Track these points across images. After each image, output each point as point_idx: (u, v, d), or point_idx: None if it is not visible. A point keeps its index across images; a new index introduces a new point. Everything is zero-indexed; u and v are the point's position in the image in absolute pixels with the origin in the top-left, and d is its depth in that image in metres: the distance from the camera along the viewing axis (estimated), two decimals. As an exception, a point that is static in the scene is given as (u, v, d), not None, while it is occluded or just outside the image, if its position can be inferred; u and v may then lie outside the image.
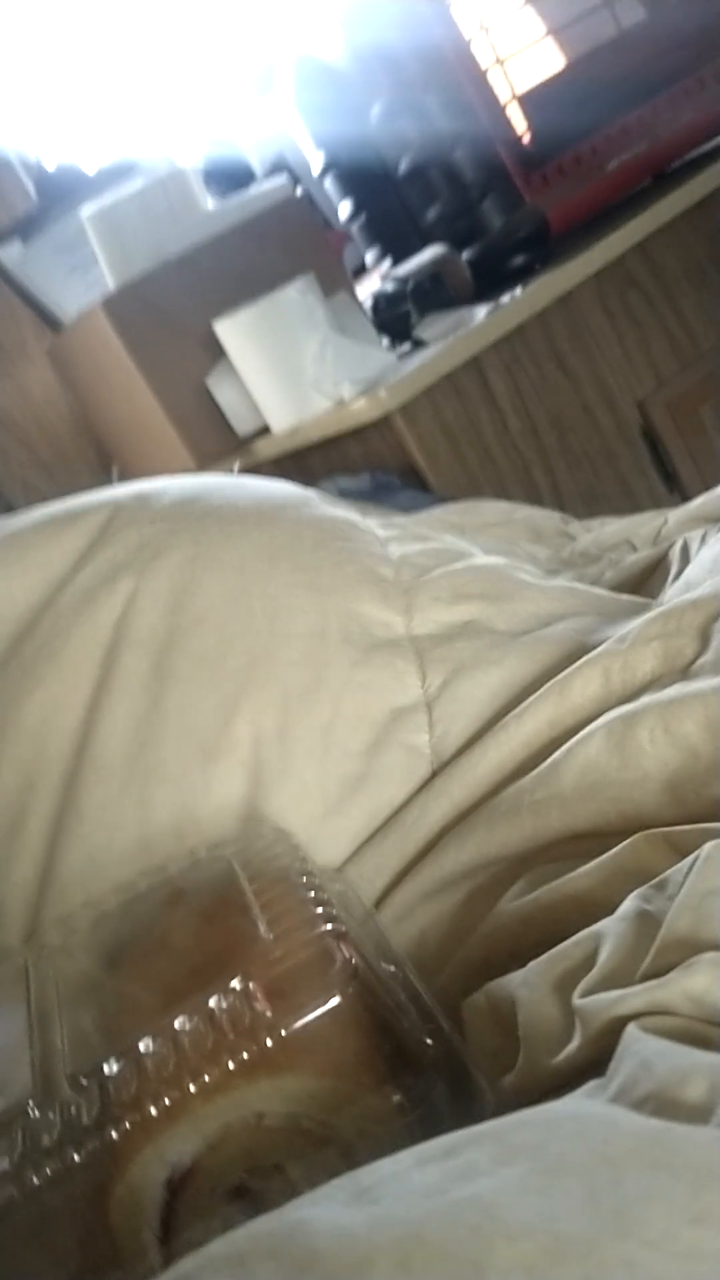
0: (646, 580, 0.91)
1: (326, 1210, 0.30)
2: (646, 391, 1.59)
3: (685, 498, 1.25)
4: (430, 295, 1.57)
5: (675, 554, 0.89)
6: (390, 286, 1.60)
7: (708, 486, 1.00)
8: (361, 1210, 0.30)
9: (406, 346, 1.61)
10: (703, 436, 1.60)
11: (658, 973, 0.36)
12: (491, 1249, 0.27)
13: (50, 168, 1.92)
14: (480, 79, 1.57)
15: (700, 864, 0.38)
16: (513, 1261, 0.27)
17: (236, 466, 1.59)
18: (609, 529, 1.11)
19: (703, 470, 1.57)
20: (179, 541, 0.63)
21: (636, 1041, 0.33)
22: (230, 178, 1.93)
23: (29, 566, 0.63)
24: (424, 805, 0.55)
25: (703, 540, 0.88)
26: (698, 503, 1.00)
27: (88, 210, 1.61)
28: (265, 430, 1.63)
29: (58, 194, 1.85)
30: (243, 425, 1.65)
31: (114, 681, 0.59)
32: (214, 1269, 0.29)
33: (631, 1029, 0.34)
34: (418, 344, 1.57)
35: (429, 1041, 0.42)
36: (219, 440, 1.66)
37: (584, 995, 0.37)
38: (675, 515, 1.04)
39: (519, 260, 1.59)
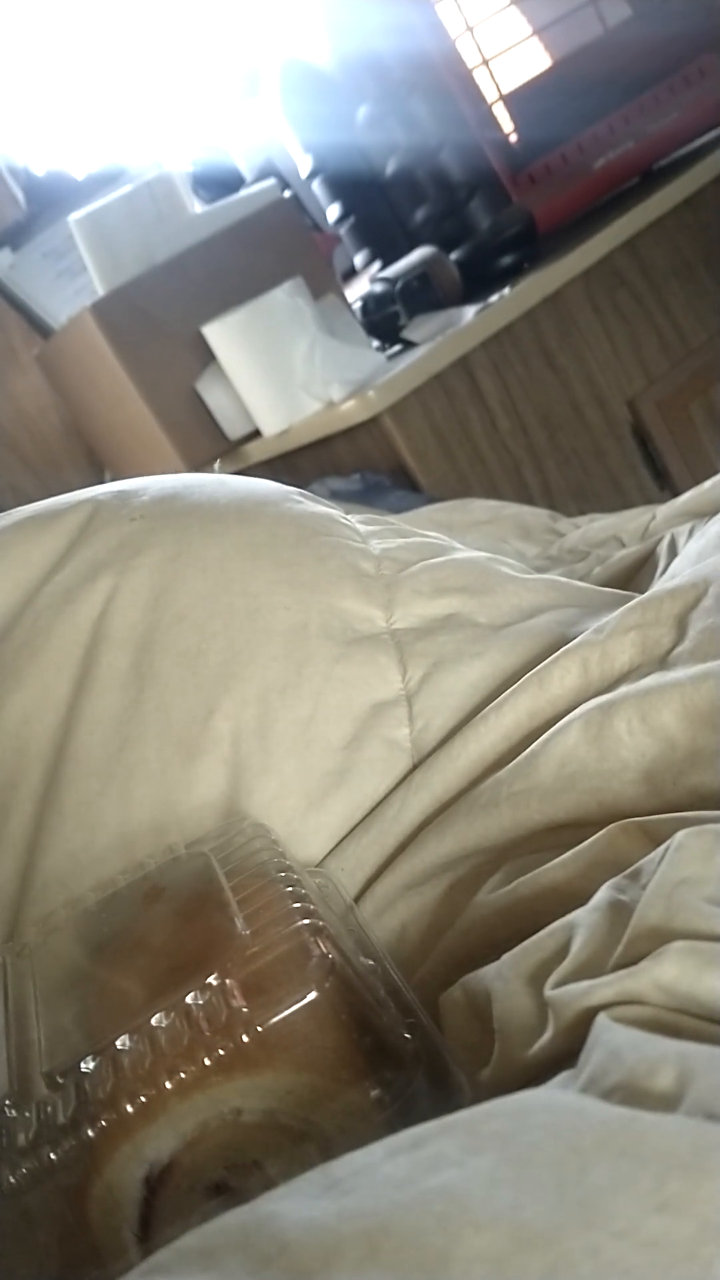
0: (635, 576, 0.91)
1: (297, 1203, 0.30)
2: (636, 389, 1.59)
3: (676, 494, 1.25)
4: (419, 296, 1.57)
5: (663, 549, 0.89)
6: (379, 288, 1.60)
7: (698, 483, 1.00)
8: (332, 1202, 0.30)
9: (396, 347, 1.61)
10: (693, 433, 1.60)
11: (629, 962, 0.35)
12: (458, 1239, 0.27)
13: (39, 174, 1.92)
14: (466, 80, 1.57)
15: (672, 853, 0.38)
16: (479, 1251, 0.26)
17: (217, 465, 1.60)
18: (597, 525, 1.11)
19: (693, 467, 1.57)
20: (159, 539, 0.62)
21: (606, 1031, 0.33)
22: (219, 183, 1.93)
23: (9, 566, 0.63)
24: (404, 799, 0.55)
25: (689, 535, 0.88)
26: (685, 498, 1.00)
27: (75, 216, 1.61)
28: (256, 433, 1.63)
29: (46, 200, 1.85)
30: (233, 428, 1.65)
31: (94, 680, 0.59)
32: (185, 1261, 0.29)
33: (601, 1019, 0.34)
34: (407, 345, 1.57)
35: (407, 1036, 0.42)
36: (210, 444, 1.66)
37: (556, 986, 0.37)
38: (663, 511, 1.04)
39: (507, 260, 1.59)
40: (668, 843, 0.39)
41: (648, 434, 1.58)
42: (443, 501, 1.30)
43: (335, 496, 1.39)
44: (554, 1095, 0.31)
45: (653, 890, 0.37)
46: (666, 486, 1.58)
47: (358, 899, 0.54)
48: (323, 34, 1.65)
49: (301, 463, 1.62)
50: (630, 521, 1.10)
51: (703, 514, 0.96)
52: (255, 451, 1.64)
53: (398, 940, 0.52)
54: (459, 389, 1.47)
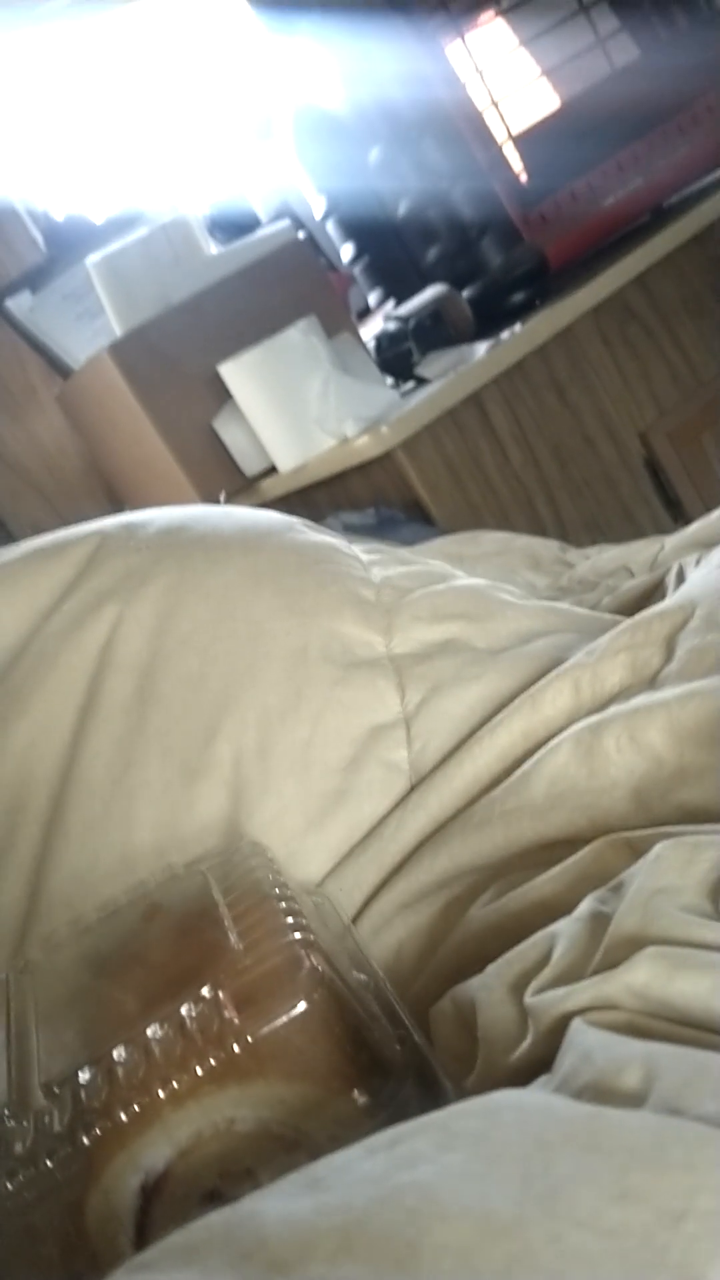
0: (643, 605, 0.91)
1: (278, 1201, 0.31)
2: (648, 421, 1.60)
3: (689, 525, 1.26)
4: (431, 334, 1.59)
5: (671, 579, 0.90)
6: (392, 326, 1.63)
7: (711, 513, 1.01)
8: (310, 1199, 0.31)
9: (409, 384, 1.63)
10: (705, 465, 1.61)
11: (606, 969, 0.36)
12: (427, 1230, 0.28)
13: (58, 219, 1.96)
14: (476, 121, 1.60)
15: (650, 863, 0.39)
16: (446, 1242, 0.27)
17: (223, 496, 1.62)
18: (606, 556, 1.12)
19: (705, 498, 1.58)
20: (164, 568, 0.64)
21: (579, 1034, 0.34)
22: (235, 225, 1.97)
23: (17, 596, 0.64)
24: (401, 819, 0.56)
25: (697, 564, 0.89)
26: (694, 528, 1.01)
27: (93, 258, 1.64)
28: (272, 469, 1.65)
29: (65, 244, 1.89)
30: (250, 465, 1.67)
31: (99, 705, 0.60)
32: (170, 1258, 0.30)
33: (576, 1023, 0.34)
34: (420, 381, 1.59)
35: (397, 1047, 0.43)
36: (226, 481, 1.68)
37: (536, 994, 0.38)
38: (672, 541, 1.05)
39: (518, 297, 1.61)
40: (648, 854, 0.40)
41: (660, 465, 1.59)
42: (455, 534, 1.31)
43: (349, 531, 1.41)
44: (525, 1094, 0.32)
45: (630, 899, 0.38)
46: (679, 517, 1.59)
47: (356, 918, 0.55)
48: (335, 79, 1.68)
49: (317, 498, 1.64)
50: (639, 552, 1.10)
51: (711, 544, 0.97)
52: (271, 487, 1.66)
53: (395, 958, 0.52)
54: (471, 423, 1.49)
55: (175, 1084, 0.41)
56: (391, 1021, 0.44)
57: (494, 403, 1.50)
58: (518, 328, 1.52)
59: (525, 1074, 0.37)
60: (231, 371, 1.57)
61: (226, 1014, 0.42)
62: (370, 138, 1.67)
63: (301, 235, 1.80)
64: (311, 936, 0.45)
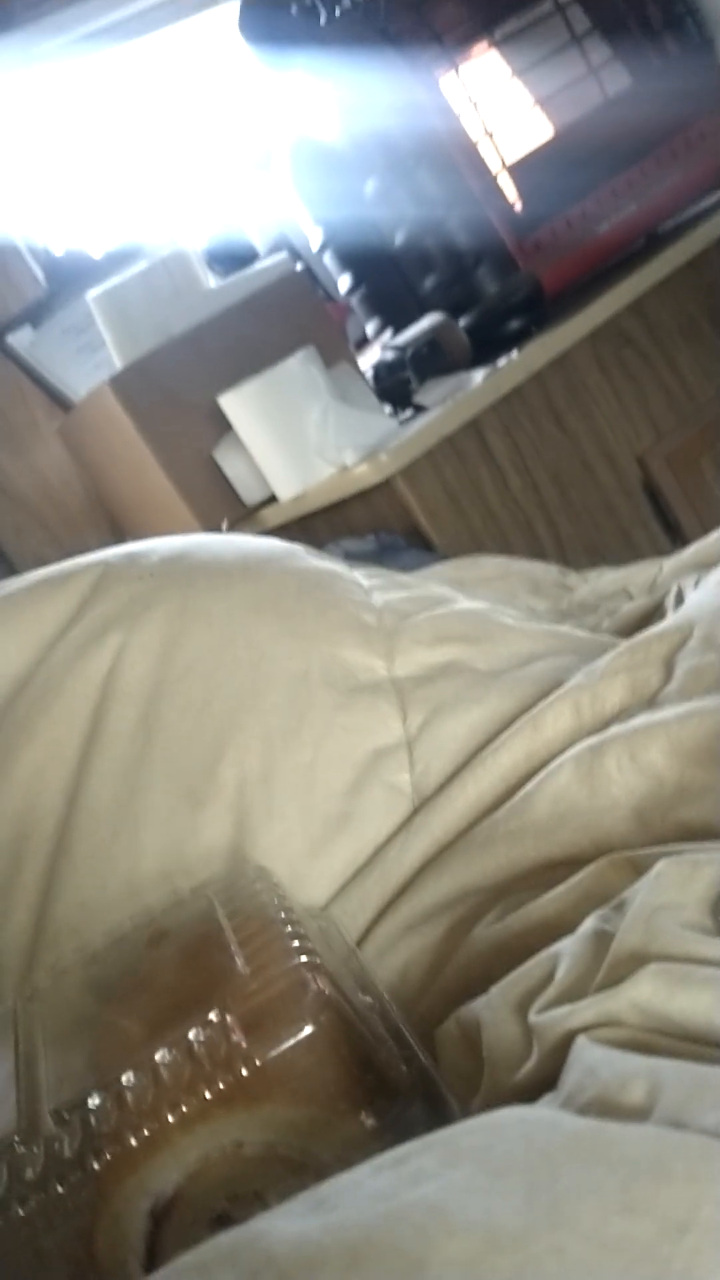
0: (643, 627, 0.92)
1: (286, 1220, 0.31)
2: (645, 446, 1.61)
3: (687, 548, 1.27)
4: (429, 362, 1.60)
5: (670, 600, 0.91)
6: (390, 355, 1.64)
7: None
8: (318, 1218, 0.31)
9: (408, 412, 1.64)
10: (703, 488, 1.62)
11: (610, 986, 0.37)
12: (434, 1245, 0.28)
13: (58, 254, 1.98)
14: (471, 151, 1.61)
15: (652, 880, 0.39)
16: (453, 1256, 0.28)
17: (225, 525, 1.62)
18: (606, 579, 1.13)
19: (704, 520, 1.58)
20: (167, 596, 0.65)
21: (583, 1051, 0.34)
22: (233, 257, 1.98)
23: (23, 626, 0.65)
24: (405, 842, 0.56)
25: (696, 585, 0.89)
26: (691, 550, 1.02)
27: (93, 293, 1.65)
28: (272, 498, 1.66)
29: (66, 279, 1.91)
30: (250, 495, 1.68)
31: (104, 732, 0.60)
32: (181, 1278, 0.31)
33: (581, 1039, 0.35)
34: (418, 409, 1.60)
35: (404, 1069, 0.43)
36: (227, 510, 1.69)
37: (540, 1012, 0.38)
38: (670, 563, 1.06)
39: (515, 324, 1.62)
40: (649, 872, 0.40)
41: (658, 489, 1.60)
42: (455, 559, 1.32)
43: (350, 558, 1.41)
44: (530, 1110, 0.32)
45: (632, 916, 0.38)
46: (678, 540, 1.60)
47: (361, 941, 0.55)
48: (331, 112, 1.70)
49: (317, 526, 1.65)
50: (638, 574, 1.11)
51: (709, 565, 0.97)
52: (272, 516, 1.67)
53: (400, 980, 0.53)
54: (470, 450, 1.50)
55: (184, 1108, 0.41)
56: (398, 1043, 0.45)
57: (492, 429, 1.51)
58: (514, 355, 1.53)
59: (530, 1092, 0.37)
60: (231, 402, 1.58)
61: (234, 1038, 0.42)
62: (366, 169, 1.69)
63: (299, 267, 1.82)
64: (317, 960, 0.45)
